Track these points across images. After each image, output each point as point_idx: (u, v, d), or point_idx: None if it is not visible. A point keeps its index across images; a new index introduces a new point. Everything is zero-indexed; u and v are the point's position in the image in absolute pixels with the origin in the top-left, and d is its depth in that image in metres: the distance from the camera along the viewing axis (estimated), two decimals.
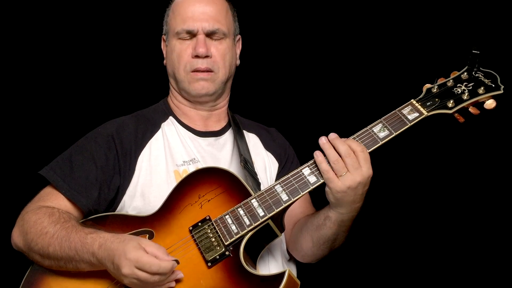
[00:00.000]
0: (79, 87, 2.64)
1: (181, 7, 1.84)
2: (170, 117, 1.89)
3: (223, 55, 1.83)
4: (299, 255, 1.81)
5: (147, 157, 1.76)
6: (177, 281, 1.49)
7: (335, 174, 1.51)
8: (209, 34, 1.81)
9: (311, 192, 1.59)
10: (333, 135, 1.55)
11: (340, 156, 1.51)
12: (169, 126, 1.85)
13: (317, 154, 1.55)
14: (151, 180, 1.72)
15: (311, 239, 1.70)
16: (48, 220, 1.57)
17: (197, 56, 1.78)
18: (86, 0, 2.63)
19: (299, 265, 1.89)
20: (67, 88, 2.63)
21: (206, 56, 1.78)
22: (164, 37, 1.94)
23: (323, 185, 1.56)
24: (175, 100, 1.92)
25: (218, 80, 1.83)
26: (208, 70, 1.80)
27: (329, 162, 1.52)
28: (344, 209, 1.57)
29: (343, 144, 1.51)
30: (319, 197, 1.83)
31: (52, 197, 1.67)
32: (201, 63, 1.79)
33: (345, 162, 1.50)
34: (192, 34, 1.80)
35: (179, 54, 1.81)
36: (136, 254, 1.41)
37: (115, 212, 1.71)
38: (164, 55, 1.94)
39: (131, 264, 1.40)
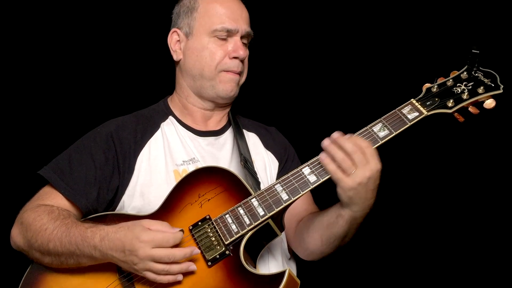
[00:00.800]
0: (79, 87, 2.64)
1: (218, 5, 1.80)
2: (170, 117, 1.88)
3: (247, 59, 1.87)
4: (305, 254, 1.79)
5: (146, 157, 1.75)
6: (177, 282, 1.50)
7: (344, 173, 1.49)
8: (243, 37, 1.82)
9: (313, 190, 1.59)
10: (336, 134, 1.53)
11: (347, 153, 1.48)
12: (169, 126, 1.85)
13: (322, 157, 1.52)
14: (150, 180, 1.72)
15: (320, 238, 1.68)
16: (48, 217, 1.58)
17: (235, 58, 1.79)
18: (85, 1, 2.63)
19: (299, 264, 1.89)
20: (67, 88, 2.63)
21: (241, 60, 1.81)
22: (178, 31, 1.86)
23: (324, 183, 1.55)
24: (183, 99, 1.89)
25: (240, 83, 1.86)
26: (239, 73, 1.82)
27: (335, 162, 1.50)
28: (358, 207, 1.54)
29: (348, 142, 1.49)
30: (319, 197, 1.84)
31: (51, 197, 1.67)
32: (237, 66, 1.80)
33: (353, 159, 1.48)
34: (230, 34, 1.79)
35: (213, 52, 1.78)
36: (149, 234, 1.44)
37: (115, 212, 1.71)
38: (178, 50, 1.86)
39: (147, 246, 1.43)
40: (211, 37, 1.79)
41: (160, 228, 1.47)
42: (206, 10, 1.81)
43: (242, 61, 1.82)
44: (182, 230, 1.49)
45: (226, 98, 1.86)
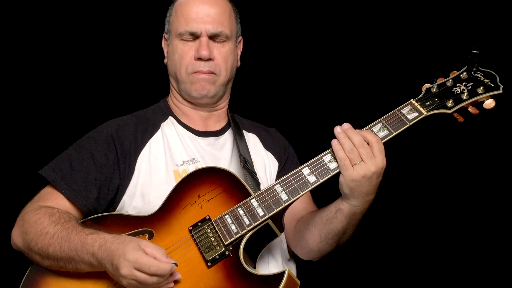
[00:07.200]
0: (79, 87, 2.64)
1: (184, 8, 1.82)
2: (170, 117, 1.89)
3: (225, 58, 1.83)
4: (303, 252, 1.79)
5: (146, 157, 1.76)
6: (176, 282, 1.49)
7: (350, 163, 1.51)
8: (212, 37, 1.80)
9: (312, 190, 1.58)
10: (346, 125, 1.55)
11: (354, 146, 1.51)
12: (169, 126, 1.85)
13: (335, 143, 1.54)
14: (150, 180, 1.72)
15: (319, 234, 1.68)
16: (48, 220, 1.57)
17: (199, 59, 1.78)
18: (85, 0, 2.63)
19: (299, 265, 1.88)
20: (67, 88, 2.63)
21: (209, 59, 1.78)
22: (165, 35, 1.93)
23: (323, 184, 1.56)
24: (175, 100, 1.92)
25: (219, 82, 1.83)
26: (210, 73, 1.80)
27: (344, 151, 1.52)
28: (357, 201, 1.55)
29: (356, 135, 1.52)
30: (319, 197, 1.84)
31: (52, 197, 1.67)
32: (203, 66, 1.79)
33: (359, 152, 1.50)
34: (195, 36, 1.79)
35: (181, 56, 1.81)
36: (135, 255, 1.41)
37: (115, 212, 1.71)
38: (165, 54, 1.93)
39: (130, 265, 1.40)
40: (179, 40, 1.82)
41: (153, 253, 1.42)
42: (176, 14, 1.85)
43: (210, 60, 1.79)
44: (175, 263, 1.45)
45: (202, 99, 1.84)
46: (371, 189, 1.53)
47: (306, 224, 1.73)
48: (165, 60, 1.93)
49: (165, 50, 1.94)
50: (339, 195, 1.60)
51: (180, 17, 1.82)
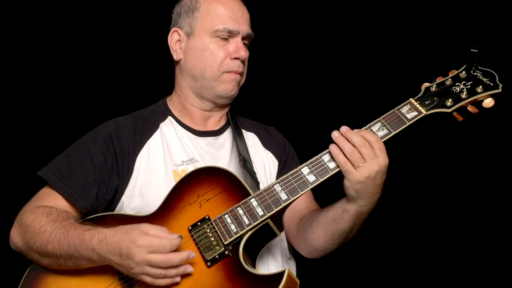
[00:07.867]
0: (79, 87, 2.64)
1: (221, 5, 1.80)
2: (169, 117, 1.88)
3: (247, 60, 1.88)
4: (307, 251, 1.79)
5: (145, 157, 1.75)
6: (175, 284, 1.49)
7: (353, 166, 1.50)
8: (244, 38, 1.82)
9: (313, 189, 1.58)
10: (344, 128, 1.54)
11: (355, 147, 1.50)
12: (168, 126, 1.85)
13: (333, 148, 1.53)
14: (149, 180, 1.72)
15: (324, 234, 1.67)
16: (47, 218, 1.57)
17: (236, 58, 1.79)
18: (85, 1, 2.62)
19: (299, 264, 1.89)
20: (67, 89, 2.63)
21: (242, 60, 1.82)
22: (179, 30, 1.85)
23: (323, 183, 1.55)
24: (182, 99, 1.89)
25: (241, 83, 1.87)
26: (241, 73, 1.83)
27: (345, 155, 1.51)
28: (364, 201, 1.55)
29: (356, 136, 1.51)
30: (319, 196, 1.84)
31: (50, 197, 1.67)
32: (238, 67, 1.81)
33: (361, 153, 1.49)
34: (231, 35, 1.79)
35: (214, 53, 1.79)
36: (146, 239, 1.43)
37: (114, 212, 1.71)
38: (178, 50, 1.86)
39: (143, 251, 1.42)
40: (212, 37, 1.79)
41: (158, 234, 1.45)
42: (207, 10, 1.81)
43: (243, 61, 1.83)
44: (180, 236, 1.48)
45: (226, 98, 1.86)
46: (376, 189, 1.53)
47: (310, 224, 1.73)
48: (177, 56, 1.86)
49: (176, 46, 1.86)
50: (339, 193, 1.59)
51: (215, 15, 1.79)
